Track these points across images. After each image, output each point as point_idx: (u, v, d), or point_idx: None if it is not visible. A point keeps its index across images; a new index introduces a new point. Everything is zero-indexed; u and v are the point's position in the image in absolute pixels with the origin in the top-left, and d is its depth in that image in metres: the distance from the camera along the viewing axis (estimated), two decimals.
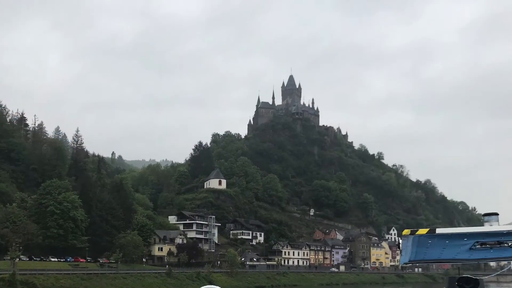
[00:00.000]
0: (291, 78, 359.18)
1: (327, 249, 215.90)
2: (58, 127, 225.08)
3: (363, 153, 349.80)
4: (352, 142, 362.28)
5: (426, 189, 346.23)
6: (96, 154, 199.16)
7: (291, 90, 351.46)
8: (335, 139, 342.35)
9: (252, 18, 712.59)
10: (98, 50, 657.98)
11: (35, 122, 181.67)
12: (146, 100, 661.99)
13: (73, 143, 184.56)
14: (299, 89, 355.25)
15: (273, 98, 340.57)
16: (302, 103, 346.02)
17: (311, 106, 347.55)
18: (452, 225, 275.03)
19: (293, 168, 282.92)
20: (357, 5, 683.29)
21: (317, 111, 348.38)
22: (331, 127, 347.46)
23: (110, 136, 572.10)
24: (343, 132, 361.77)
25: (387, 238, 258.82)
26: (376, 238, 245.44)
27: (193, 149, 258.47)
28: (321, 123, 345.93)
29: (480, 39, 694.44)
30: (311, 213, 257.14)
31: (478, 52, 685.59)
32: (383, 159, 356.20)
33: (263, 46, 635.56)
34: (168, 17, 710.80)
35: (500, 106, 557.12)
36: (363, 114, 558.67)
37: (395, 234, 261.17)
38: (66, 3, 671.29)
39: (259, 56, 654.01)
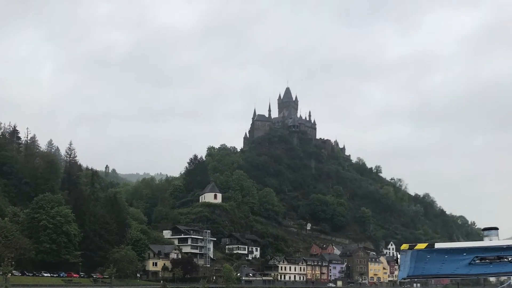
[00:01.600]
0: (287, 90, 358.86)
1: (324, 264, 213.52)
2: (51, 140, 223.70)
3: (360, 167, 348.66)
4: (349, 155, 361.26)
5: (425, 203, 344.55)
6: (90, 168, 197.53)
7: (287, 102, 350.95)
8: (332, 153, 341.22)
9: (248, 29, 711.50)
10: (92, 61, 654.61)
11: (27, 135, 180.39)
12: (140, 113, 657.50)
13: (66, 156, 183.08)
14: (295, 102, 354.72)
15: (270, 110, 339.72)
16: (299, 115, 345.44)
17: (308, 118, 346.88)
18: (451, 239, 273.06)
19: (290, 182, 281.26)
20: (354, 16, 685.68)
21: (314, 123, 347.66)
22: (328, 140, 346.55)
23: (104, 149, 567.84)
24: (341, 145, 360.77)
25: (385, 253, 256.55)
26: (374, 253, 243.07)
27: (188, 163, 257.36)
28: (318, 136, 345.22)
29: (480, 50, 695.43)
30: (308, 228, 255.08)
31: (477, 63, 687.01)
32: (381, 172, 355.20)
33: (260, 57, 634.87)
34: (163, 28, 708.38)
35: (500, 118, 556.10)
36: (361, 127, 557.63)
37: (393, 248, 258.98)
38: (60, 13, 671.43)
39: (255, 68, 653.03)
